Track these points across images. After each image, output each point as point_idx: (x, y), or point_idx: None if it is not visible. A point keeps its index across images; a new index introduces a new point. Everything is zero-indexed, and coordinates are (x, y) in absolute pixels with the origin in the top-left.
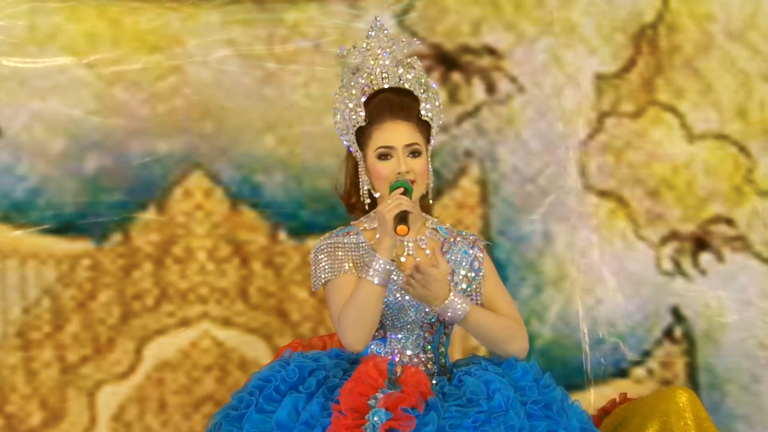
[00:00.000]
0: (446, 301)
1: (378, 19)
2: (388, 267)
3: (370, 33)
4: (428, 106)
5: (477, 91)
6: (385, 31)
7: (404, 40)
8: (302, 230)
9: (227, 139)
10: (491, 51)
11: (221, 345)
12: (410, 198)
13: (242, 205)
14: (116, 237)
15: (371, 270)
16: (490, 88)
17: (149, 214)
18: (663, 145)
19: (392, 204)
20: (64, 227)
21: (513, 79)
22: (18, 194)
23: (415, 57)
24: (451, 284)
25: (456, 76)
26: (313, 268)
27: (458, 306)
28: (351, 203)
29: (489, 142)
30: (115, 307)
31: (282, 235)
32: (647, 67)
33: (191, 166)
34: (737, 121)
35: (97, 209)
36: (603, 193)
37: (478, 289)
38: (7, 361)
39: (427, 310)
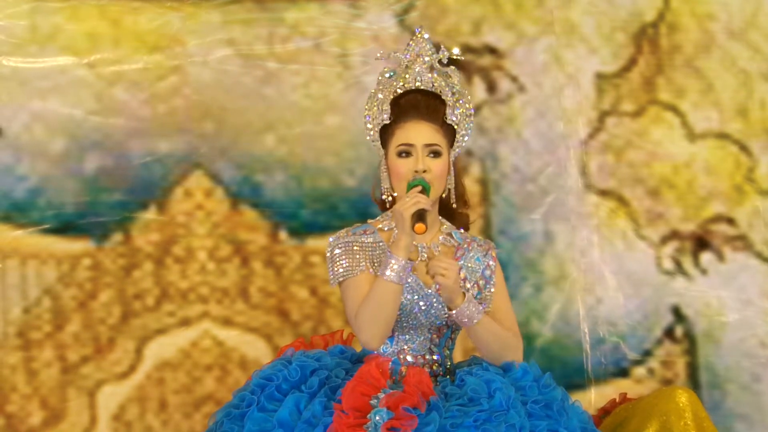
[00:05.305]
0: (463, 304)
1: (420, 27)
2: (405, 266)
3: (410, 42)
4: (456, 111)
5: (478, 90)
6: (426, 38)
7: (445, 49)
8: (302, 230)
9: (227, 139)
10: (492, 50)
11: (222, 344)
12: (428, 197)
13: (243, 205)
14: (117, 237)
15: (388, 269)
16: (491, 87)
17: (150, 214)
18: (663, 145)
19: (410, 202)
20: (64, 227)
21: (513, 79)
22: (18, 194)
23: (453, 67)
24: (463, 289)
25: None
26: (330, 264)
27: (474, 310)
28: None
29: (490, 141)
30: (115, 307)
31: (282, 234)
32: (648, 67)
33: (192, 166)
34: (738, 120)
35: (97, 209)
36: (603, 193)
37: (488, 297)
38: (7, 361)
39: (436, 314)
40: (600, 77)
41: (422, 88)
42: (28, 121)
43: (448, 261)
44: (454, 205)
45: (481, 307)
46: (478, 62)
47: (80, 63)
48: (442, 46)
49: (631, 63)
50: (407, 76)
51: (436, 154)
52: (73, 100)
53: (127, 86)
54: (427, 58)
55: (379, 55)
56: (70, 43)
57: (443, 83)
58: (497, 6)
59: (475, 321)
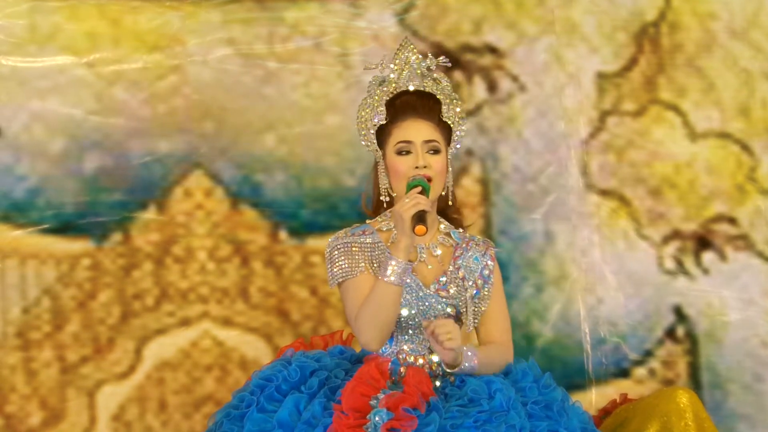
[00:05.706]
0: (464, 355)
1: (407, 37)
2: (405, 267)
3: (398, 50)
4: (450, 111)
5: (478, 89)
6: (413, 48)
7: (432, 57)
8: (303, 230)
9: (227, 139)
10: (492, 50)
11: (221, 345)
12: (427, 197)
13: (243, 205)
14: (116, 237)
15: (388, 270)
16: (492, 87)
17: (149, 214)
18: (665, 144)
19: (410, 203)
20: (64, 227)
21: (514, 78)
22: (18, 194)
23: (443, 74)
24: (461, 289)
25: (457, 75)
26: (329, 265)
27: (472, 358)
28: (378, 213)
29: (490, 141)
30: (115, 307)
31: (282, 234)
32: (649, 66)
33: (191, 166)
34: (739, 119)
35: (97, 209)
36: (604, 192)
37: (486, 296)
38: (6, 361)
39: (435, 314)
40: (601, 77)
41: (414, 89)
42: (28, 121)
43: (446, 322)
44: (450, 203)
45: (472, 353)
46: (478, 62)
47: (80, 62)
48: (429, 54)
49: (632, 62)
50: (399, 80)
51: (435, 151)
52: (73, 100)
53: (127, 86)
54: (414, 65)
55: (367, 67)
56: (70, 43)
57: (434, 87)
58: (498, 5)
59: (477, 367)
